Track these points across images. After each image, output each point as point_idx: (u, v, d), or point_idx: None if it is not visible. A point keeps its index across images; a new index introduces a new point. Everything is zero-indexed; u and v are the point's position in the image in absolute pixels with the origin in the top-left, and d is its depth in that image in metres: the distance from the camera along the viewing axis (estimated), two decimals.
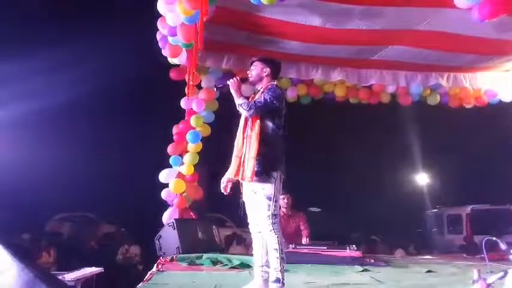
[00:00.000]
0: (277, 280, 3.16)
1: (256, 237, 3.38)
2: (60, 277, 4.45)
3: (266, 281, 3.28)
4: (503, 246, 2.91)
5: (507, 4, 4.07)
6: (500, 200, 10.40)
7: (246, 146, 3.32)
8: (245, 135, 3.36)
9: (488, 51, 6.42)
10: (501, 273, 2.43)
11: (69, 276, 4.84)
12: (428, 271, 4.94)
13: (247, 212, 3.42)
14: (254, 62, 3.55)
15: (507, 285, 1.75)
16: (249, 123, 3.35)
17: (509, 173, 10.98)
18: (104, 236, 10.79)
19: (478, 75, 7.40)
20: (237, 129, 3.49)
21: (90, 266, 5.68)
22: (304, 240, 5.88)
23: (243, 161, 3.29)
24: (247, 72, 3.56)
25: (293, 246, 5.22)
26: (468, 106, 7.93)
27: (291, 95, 7.52)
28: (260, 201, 3.25)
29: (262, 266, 3.32)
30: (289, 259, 4.20)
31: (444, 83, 7.33)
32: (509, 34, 5.65)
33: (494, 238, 3.01)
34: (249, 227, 3.44)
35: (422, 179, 18.36)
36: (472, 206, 11.57)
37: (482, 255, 3.49)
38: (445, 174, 16.28)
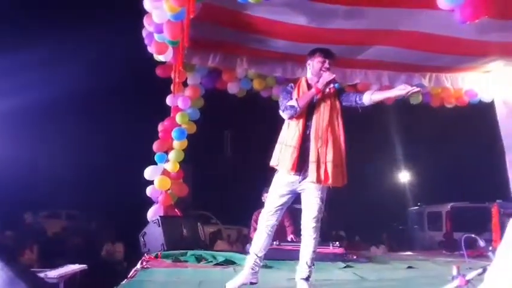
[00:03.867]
0: (308, 278, 3.25)
1: (264, 230, 3.32)
2: (42, 274, 4.42)
3: (256, 273, 3.29)
4: (482, 243, 2.97)
5: (488, 6, 4.16)
6: (480, 198, 10.61)
7: (318, 146, 3.27)
8: (310, 133, 3.30)
9: (469, 52, 6.52)
10: (480, 270, 2.48)
11: (52, 274, 4.80)
12: (409, 267, 5.05)
13: (271, 203, 3.33)
14: (332, 56, 3.55)
15: (485, 281, 1.81)
16: (325, 122, 3.35)
17: (489, 171, 11.19)
18: (87, 232, 10.69)
19: (459, 75, 7.52)
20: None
21: (74, 263, 5.66)
22: (290, 238, 5.91)
23: (320, 164, 3.24)
24: (326, 64, 3.60)
25: (277, 243, 5.26)
26: (449, 106, 8.07)
27: (276, 93, 7.55)
28: (316, 203, 3.28)
29: (258, 257, 3.30)
30: (272, 256, 4.28)
31: (426, 83, 7.42)
32: (490, 36, 5.75)
33: (473, 235, 3.07)
34: (262, 217, 3.38)
35: (404, 176, 18.61)
36: (451, 204, 11.77)
37: (461, 252, 3.57)
38: (426, 172, 16.51)
